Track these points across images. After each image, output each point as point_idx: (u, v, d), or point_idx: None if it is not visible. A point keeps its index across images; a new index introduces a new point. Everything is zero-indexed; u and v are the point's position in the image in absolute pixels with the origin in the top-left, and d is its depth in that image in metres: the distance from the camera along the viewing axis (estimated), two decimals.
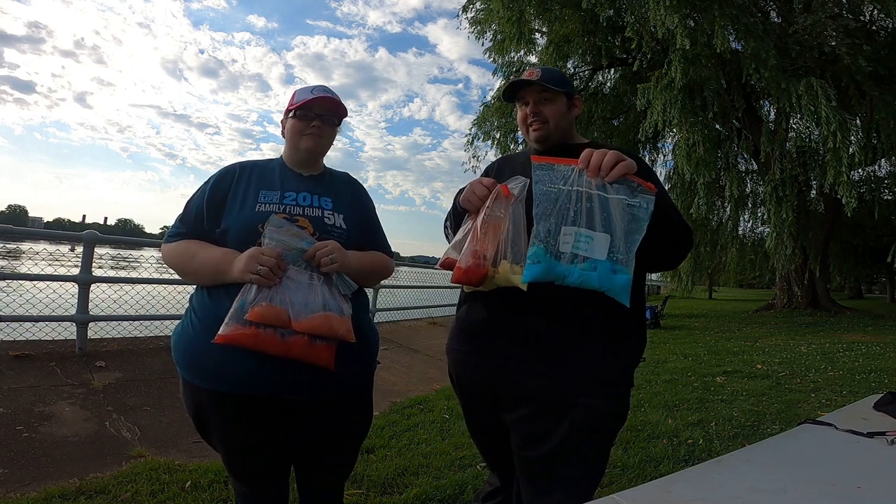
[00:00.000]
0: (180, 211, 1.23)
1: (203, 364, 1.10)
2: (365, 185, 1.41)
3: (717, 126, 10.76)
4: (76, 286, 3.57)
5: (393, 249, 1.46)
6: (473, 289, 1.11)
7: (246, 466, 1.23)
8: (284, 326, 1.02)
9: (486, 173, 1.39)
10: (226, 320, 1.01)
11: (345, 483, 1.43)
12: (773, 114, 11.02)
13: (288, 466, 1.32)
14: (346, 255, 1.13)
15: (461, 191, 1.18)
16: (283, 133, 1.30)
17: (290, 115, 1.24)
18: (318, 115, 1.24)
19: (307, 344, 1.03)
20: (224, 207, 1.18)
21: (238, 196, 1.19)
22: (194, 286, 1.23)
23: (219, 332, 1.00)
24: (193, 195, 1.23)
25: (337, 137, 1.33)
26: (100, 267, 4.24)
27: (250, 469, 1.23)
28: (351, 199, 1.30)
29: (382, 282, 7.03)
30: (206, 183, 1.23)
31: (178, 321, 1.22)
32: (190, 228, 1.19)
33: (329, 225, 1.19)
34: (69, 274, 3.61)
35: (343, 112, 1.28)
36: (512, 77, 1.25)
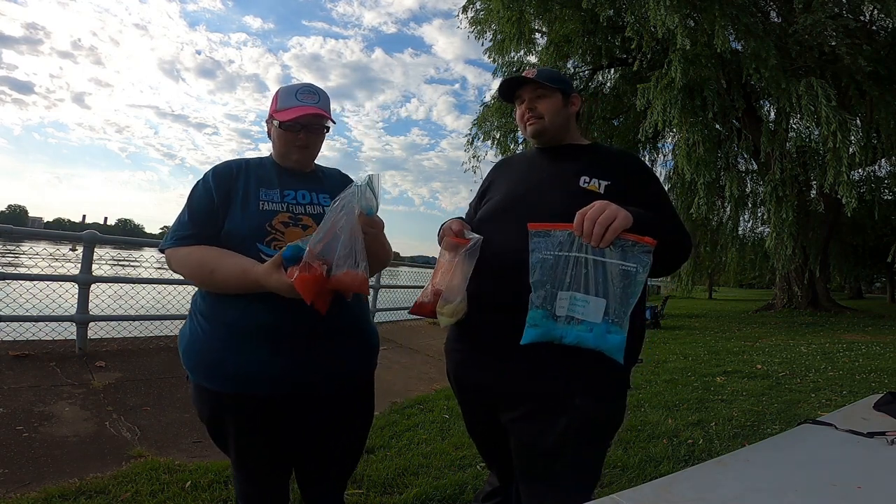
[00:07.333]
0: (181, 211, 1.18)
1: (218, 368, 1.12)
2: None
3: (717, 126, 10.76)
4: (76, 286, 3.57)
5: (393, 249, 1.47)
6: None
7: (258, 465, 1.24)
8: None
9: (491, 177, 1.43)
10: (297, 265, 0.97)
11: (346, 484, 1.44)
12: (773, 114, 11.02)
13: (290, 467, 1.33)
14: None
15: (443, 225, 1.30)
16: (269, 133, 1.27)
17: (276, 125, 1.21)
18: (303, 126, 1.20)
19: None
20: (227, 206, 1.16)
21: (238, 195, 1.17)
22: (194, 287, 1.23)
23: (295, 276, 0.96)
24: (194, 194, 1.19)
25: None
26: (100, 267, 4.24)
27: (261, 467, 1.24)
28: None
29: (382, 282, 7.07)
30: (204, 181, 1.19)
31: (180, 321, 1.22)
32: (199, 229, 1.15)
33: None
34: (69, 274, 3.61)
35: (329, 118, 1.24)
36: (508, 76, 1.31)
